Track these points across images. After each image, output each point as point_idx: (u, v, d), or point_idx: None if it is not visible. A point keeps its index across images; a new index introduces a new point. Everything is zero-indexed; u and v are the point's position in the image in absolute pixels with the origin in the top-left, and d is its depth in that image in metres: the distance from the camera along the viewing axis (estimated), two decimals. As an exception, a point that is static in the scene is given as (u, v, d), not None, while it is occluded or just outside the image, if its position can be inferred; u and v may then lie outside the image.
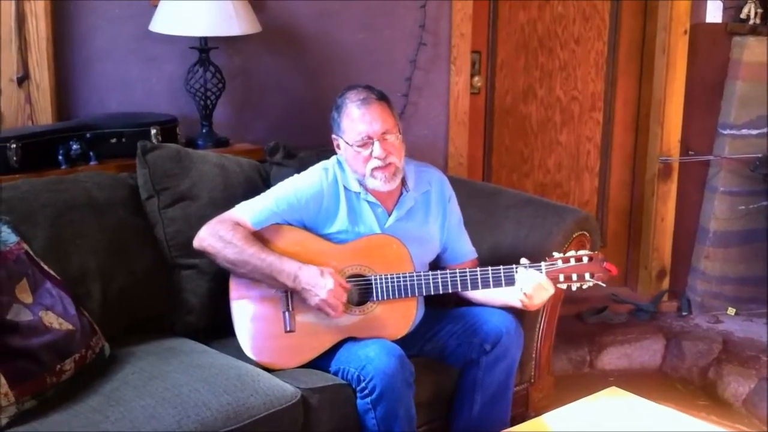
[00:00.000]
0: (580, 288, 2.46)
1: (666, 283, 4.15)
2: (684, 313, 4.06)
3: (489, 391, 2.57)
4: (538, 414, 2.61)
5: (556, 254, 2.46)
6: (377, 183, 2.50)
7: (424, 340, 2.61)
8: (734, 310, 4.04)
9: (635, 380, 3.47)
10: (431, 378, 2.60)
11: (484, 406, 2.58)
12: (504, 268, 2.45)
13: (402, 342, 2.47)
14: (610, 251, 4.09)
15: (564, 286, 2.46)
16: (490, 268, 2.46)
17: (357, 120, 2.48)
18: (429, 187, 2.65)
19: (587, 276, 2.43)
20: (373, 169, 2.49)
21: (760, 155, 3.90)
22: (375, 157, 2.47)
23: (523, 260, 2.46)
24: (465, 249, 2.71)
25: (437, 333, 2.61)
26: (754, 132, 3.95)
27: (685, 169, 4.05)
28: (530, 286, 2.42)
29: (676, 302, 4.11)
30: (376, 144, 2.47)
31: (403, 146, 2.55)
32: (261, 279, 2.45)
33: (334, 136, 2.56)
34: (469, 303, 2.66)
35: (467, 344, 2.56)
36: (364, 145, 2.48)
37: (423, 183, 2.64)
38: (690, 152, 4.03)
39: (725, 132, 3.97)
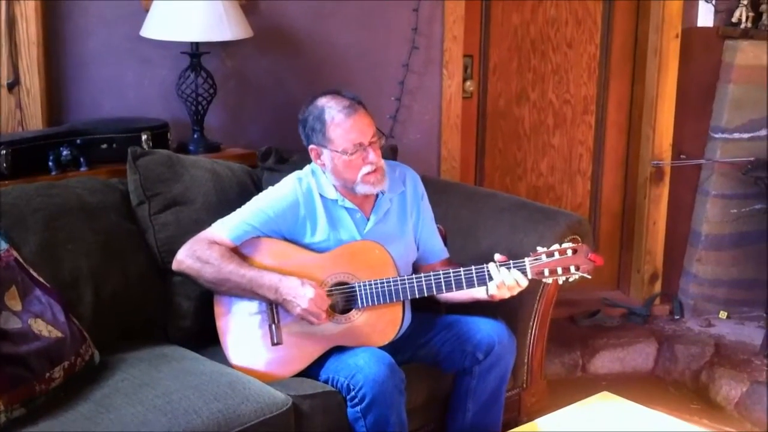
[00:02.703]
0: (566, 281, 2.43)
1: (658, 287, 4.14)
2: (676, 317, 4.06)
3: (481, 398, 2.57)
4: (530, 419, 2.62)
5: (539, 248, 2.43)
6: (368, 187, 2.50)
7: (417, 346, 2.60)
8: (726, 313, 4.04)
9: (628, 384, 3.48)
10: (425, 383, 2.59)
11: (476, 414, 2.58)
12: (487, 266, 2.43)
13: (395, 348, 2.46)
14: (603, 254, 4.04)
15: (549, 281, 2.45)
16: (473, 267, 2.44)
17: (348, 128, 2.46)
18: (403, 186, 2.65)
19: (572, 269, 2.41)
20: (365, 174, 2.48)
21: (752, 159, 3.91)
22: (369, 163, 2.47)
23: (497, 256, 2.43)
24: (437, 248, 2.70)
25: (431, 339, 2.60)
26: (746, 135, 3.95)
27: (678, 173, 4.05)
28: (494, 285, 2.41)
29: (668, 305, 4.11)
30: (370, 150, 2.47)
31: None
32: (243, 295, 2.45)
33: (313, 146, 2.52)
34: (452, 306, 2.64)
35: (460, 351, 2.55)
36: (356, 153, 2.47)
37: (397, 183, 2.64)
38: (682, 156, 4.03)
39: (717, 135, 3.97)
